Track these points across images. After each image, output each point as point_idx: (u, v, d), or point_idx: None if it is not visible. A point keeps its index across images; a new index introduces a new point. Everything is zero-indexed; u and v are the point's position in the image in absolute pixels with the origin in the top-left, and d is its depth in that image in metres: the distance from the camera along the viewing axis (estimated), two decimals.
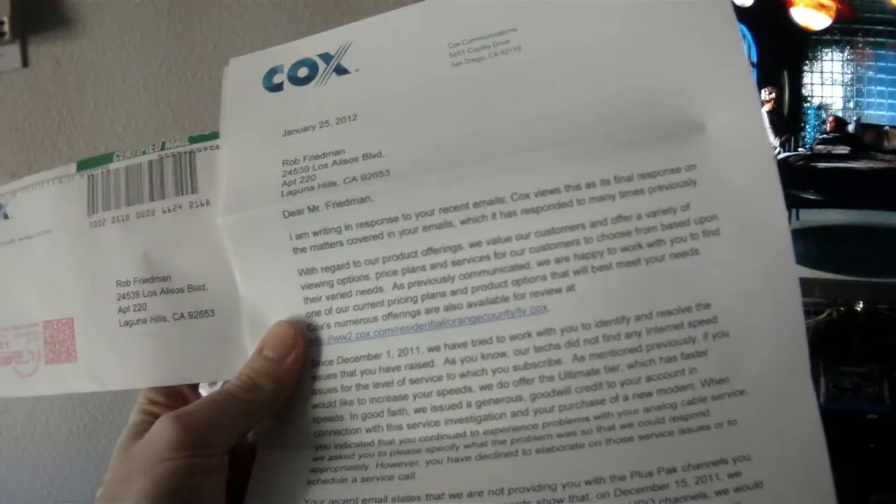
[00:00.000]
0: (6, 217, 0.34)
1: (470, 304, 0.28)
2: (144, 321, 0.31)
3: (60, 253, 0.32)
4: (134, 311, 0.31)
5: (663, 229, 0.27)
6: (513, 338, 0.28)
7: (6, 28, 0.71)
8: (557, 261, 0.27)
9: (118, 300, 0.31)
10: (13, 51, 0.73)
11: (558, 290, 0.27)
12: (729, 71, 0.27)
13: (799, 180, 0.75)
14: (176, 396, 0.31)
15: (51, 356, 0.32)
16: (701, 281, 0.26)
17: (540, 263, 0.27)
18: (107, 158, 0.33)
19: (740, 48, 0.27)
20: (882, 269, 0.75)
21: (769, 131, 0.27)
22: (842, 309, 0.72)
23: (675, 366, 0.26)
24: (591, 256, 0.27)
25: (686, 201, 0.27)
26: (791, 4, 0.74)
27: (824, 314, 0.72)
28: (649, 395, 0.27)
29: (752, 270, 0.26)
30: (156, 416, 0.27)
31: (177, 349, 0.31)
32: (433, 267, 0.28)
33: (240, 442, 0.29)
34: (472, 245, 0.28)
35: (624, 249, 0.27)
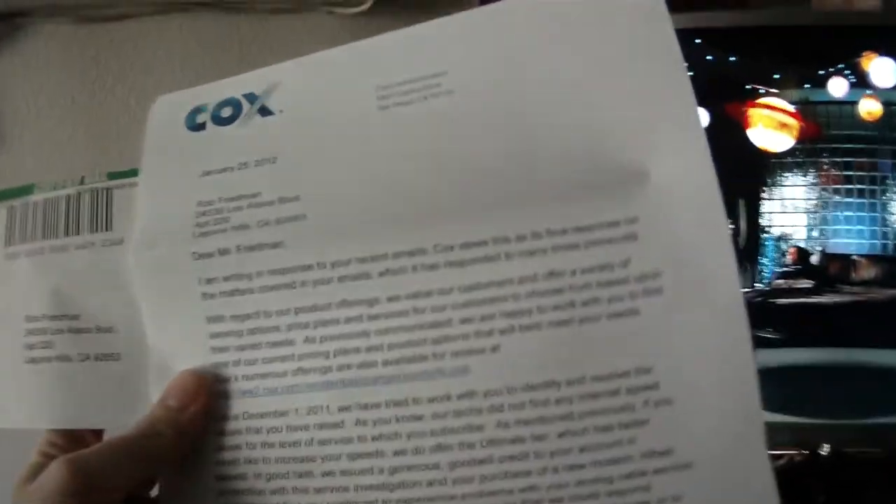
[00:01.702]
0: None
1: (385, 363, 0.26)
2: (49, 360, 0.30)
3: None
4: (40, 348, 0.30)
5: (599, 287, 0.25)
6: (431, 400, 0.26)
7: None
8: (482, 318, 0.26)
9: (25, 336, 0.30)
10: None
11: (482, 351, 0.26)
12: (675, 114, 0.25)
13: (756, 318, 0.70)
14: (78, 440, 0.30)
15: None
16: (641, 343, 0.25)
17: (463, 321, 0.26)
18: (27, 190, 0.32)
19: (688, 89, 0.25)
20: (850, 410, 0.69)
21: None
22: (804, 452, 0.67)
23: (611, 436, 0.25)
24: (518, 315, 0.25)
25: (626, 257, 0.25)
26: (748, 125, 0.68)
27: (784, 459, 0.67)
28: (582, 467, 0.25)
29: (698, 331, 0.24)
30: (53, 459, 0.26)
31: (80, 391, 0.30)
32: (347, 321, 0.27)
33: (142, 496, 0.29)
34: (389, 299, 0.26)
35: (555, 308, 0.25)
